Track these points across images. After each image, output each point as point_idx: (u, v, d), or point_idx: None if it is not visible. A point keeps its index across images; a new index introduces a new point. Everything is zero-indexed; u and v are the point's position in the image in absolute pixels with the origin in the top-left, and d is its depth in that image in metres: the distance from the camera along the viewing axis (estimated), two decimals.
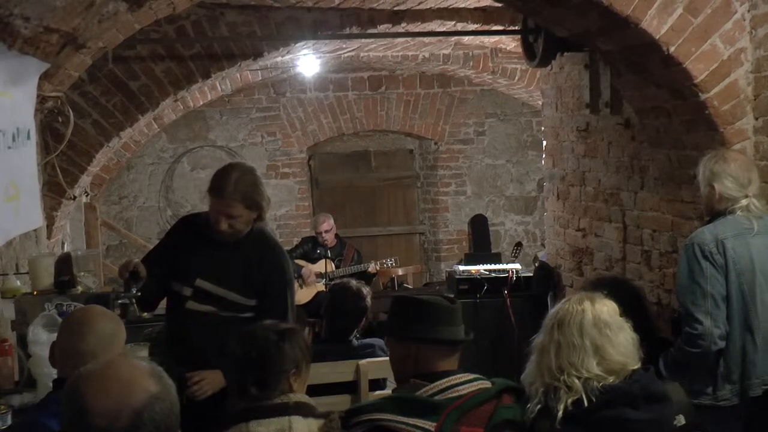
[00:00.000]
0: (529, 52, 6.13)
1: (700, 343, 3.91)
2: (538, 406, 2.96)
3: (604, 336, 2.96)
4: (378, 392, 4.52)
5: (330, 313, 4.94)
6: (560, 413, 2.89)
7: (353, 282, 5.09)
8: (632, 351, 2.99)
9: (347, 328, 4.87)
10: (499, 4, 5.77)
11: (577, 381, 2.91)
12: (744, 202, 4.01)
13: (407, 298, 3.23)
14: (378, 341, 5.02)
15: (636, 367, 2.98)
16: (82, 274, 5.17)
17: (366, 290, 4.99)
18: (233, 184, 4.03)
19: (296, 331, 3.25)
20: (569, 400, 2.90)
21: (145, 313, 5.06)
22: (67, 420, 1.88)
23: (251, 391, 2.99)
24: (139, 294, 4.12)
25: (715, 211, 4.09)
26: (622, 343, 2.97)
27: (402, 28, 7.14)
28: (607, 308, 3.03)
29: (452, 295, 3.27)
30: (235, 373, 3.06)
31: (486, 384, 3.04)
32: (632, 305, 3.46)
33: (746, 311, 3.94)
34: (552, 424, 2.90)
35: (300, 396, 3.08)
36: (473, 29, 7.43)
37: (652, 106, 4.92)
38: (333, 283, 5.47)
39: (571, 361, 2.93)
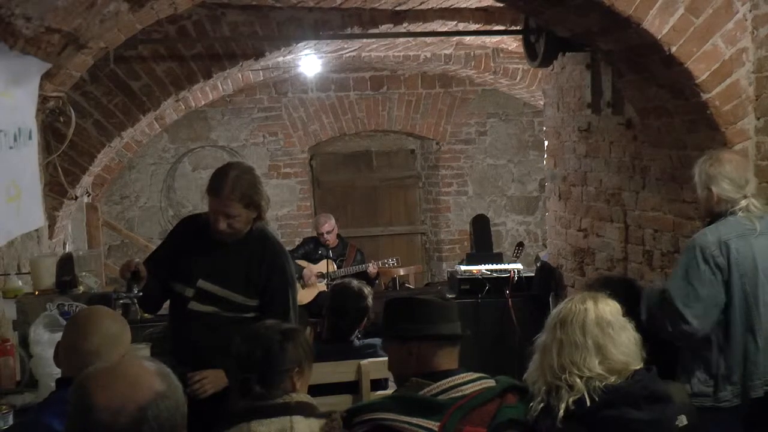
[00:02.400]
0: (530, 52, 6.13)
1: (685, 339, 3.96)
2: (541, 405, 2.97)
3: (607, 335, 2.96)
4: (379, 392, 4.52)
5: (331, 314, 4.94)
6: (561, 412, 2.89)
7: (354, 282, 5.08)
8: (635, 351, 2.99)
9: (349, 328, 4.86)
10: (501, 4, 5.77)
11: (578, 380, 2.91)
12: (743, 202, 4.00)
13: (402, 299, 3.24)
14: (379, 341, 5.02)
15: (638, 367, 2.98)
16: (84, 274, 5.18)
17: (367, 290, 4.98)
18: (231, 183, 4.03)
19: (299, 330, 3.28)
20: (571, 400, 2.90)
21: (147, 314, 5.06)
22: (73, 415, 1.90)
23: (255, 389, 3.00)
24: (141, 294, 4.12)
25: (714, 213, 4.08)
26: (625, 343, 2.98)
27: (403, 28, 7.14)
28: (609, 308, 3.03)
29: (446, 295, 3.29)
30: (239, 371, 3.06)
31: (490, 383, 3.04)
32: (634, 306, 3.46)
33: (749, 312, 3.93)
34: (553, 423, 2.90)
35: (302, 396, 3.09)
36: (475, 29, 7.43)
37: (653, 106, 4.92)
38: (334, 283, 5.46)
39: (573, 360, 2.93)
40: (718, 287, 3.92)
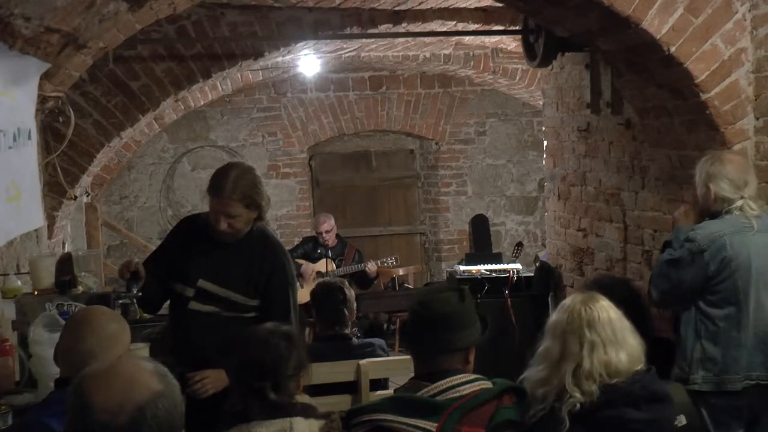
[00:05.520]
0: (529, 52, 6.13)
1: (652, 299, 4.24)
2: (543, 409, 2.96)
3: (618, 338, 2.97)
4: (379, 392, 4.52)
5: (321, 308, 4.98)
6: (566, 416, 2.89)
7: (329, 279, 5.19)
8: (639, 352, 3.00)
9: (341, 318, 4.89)
10: (500, 4, 5.77)
11: (592, 385, 2.91)
12: (739, 203, 4.03)
13: (415, 305, 3.21)
14: (378, 340, 5.04)
15: (639, 367, 2.98)
16: (83, 274, 5.17)
17: (346, 283, 5.07)
18: (232, 183, 4.03)
19: (297, 334, 3.34)
20: (577, 403, 2.90)
21: (146, 314, 5.06)
22: (71, 416, 1.90)
23: (270, 396, 3.01)
24: (140, 294, 4.12)
25: (711, 211, 4.12)
26: (632, 344, 2.99)
27: (403, 28, 7.14)
28: (615, 310, 3.04)
29: (464, 289, 3.27)
30: (252, 379, 3.06)
31: (487, 384, 3.04)
32: (632, 305, 3.47)
33: (738, 308, 3.98)
34: (556, 425, 2.90)
35: (301, 396, 3.10)
36: (474, 29, 7.43)
37: (652, 106, 4.92)
38: (313, 287, 5.46)
39: (585, 365, 2.93)
40: (691, 280, 4.02)
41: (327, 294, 4.96)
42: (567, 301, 3.14)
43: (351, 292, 5.02)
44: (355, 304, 5.10)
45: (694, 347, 4.04)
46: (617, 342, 2.97)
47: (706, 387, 4.01)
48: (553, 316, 3.13)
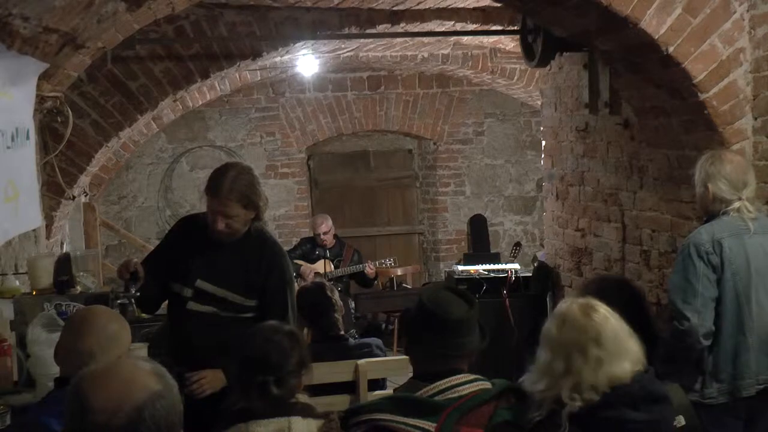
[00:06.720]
0: (528, 52, 6.13)
1: (687, 339, 3.94)
2: (540, 414, 2.95)
3: (619, 347, 2.94)
4: (377, 392, 4.52)
5: (310, 321, 4.97)
6: (566, 420, 2.89)
7: (309, 283, 5.21)
8: (640, 354, 3.00)
9: (333, 325, 4.88)
10: (498, 4, 5.77)
11: (594, 393, 2.90)
12: (737, 204, 4.02)
13: (421, 304, 3.19)
14: (375, 340, 5.03)
15: (638, 369, 2.98)
16: (81, 274, 5.17)
17: (326, 283, 5.06)
18: (229, 183, 4.02)
19: (300, 333, 3.38)
20: (577, 405, 2.89)
21: (144, 314, 5.06)
22: (70, 416, 1.90)
23: (273, 390, 3.02)
24: (138, 294, 4.12)
25: (709, 211, 4.11)
26: (633, 350, 2.98)
27: (401, 28, 7.14)
28: (615, 317, 3.02)
29: (472, 295, 3.25)
30: (256, 374, 3.07)
31: (486, 385, 3.03)
32: (632, 306, 3.46)
33: (740, 311, 3.95)
34: (555, 427, 2.89)
35: (300, 396, 3.10)
36: (472, 29, 7.43)
37: (651, 106, 4.92)
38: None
39: (592, 380, 2.91)
40: (714, 283, 3.95)
41: (312, 305, 4.93)
42: (564, 310, 3.05)
43: (335, 293, 4.99)
44: (341, 302, 5.08)
45: (706, 360, 4.00)
46: (620, 353, 2.93)
47: (722, 399, 3.99)
48: (551, 326, 3.04)
